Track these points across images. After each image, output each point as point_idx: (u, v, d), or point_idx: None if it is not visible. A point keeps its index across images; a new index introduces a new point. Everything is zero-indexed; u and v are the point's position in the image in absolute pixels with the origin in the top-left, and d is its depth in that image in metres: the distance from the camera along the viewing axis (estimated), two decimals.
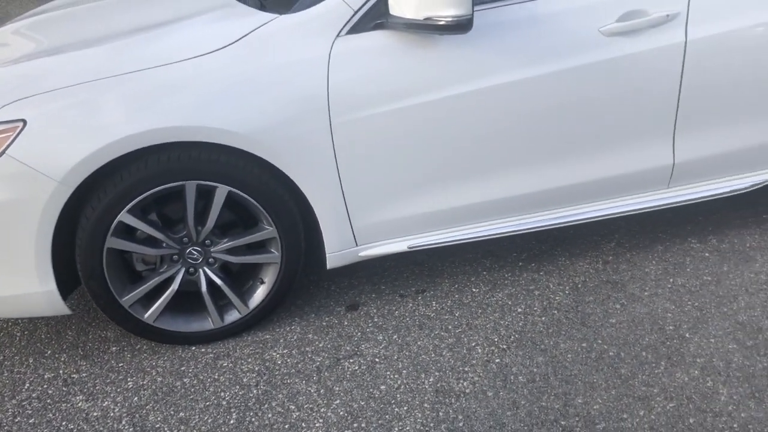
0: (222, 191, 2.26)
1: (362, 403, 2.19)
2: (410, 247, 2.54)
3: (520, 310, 2.58)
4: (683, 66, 2.45)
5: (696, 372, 2.23)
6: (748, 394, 2.13)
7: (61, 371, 2.41)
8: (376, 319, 2.58)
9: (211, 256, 2.40)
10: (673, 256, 2.83)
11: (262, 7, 2.42)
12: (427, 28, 2.14)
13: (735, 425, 2.02)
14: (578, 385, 2.20)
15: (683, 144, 2.60)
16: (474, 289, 2.71)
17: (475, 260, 2.89)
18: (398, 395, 2.21)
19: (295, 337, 2.51)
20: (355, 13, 2.24)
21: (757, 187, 2.77)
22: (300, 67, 2.21)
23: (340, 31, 2.24)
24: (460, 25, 2.10)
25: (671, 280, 2.69)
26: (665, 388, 2.17)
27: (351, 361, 2.37)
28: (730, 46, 2.47)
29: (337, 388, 2.25)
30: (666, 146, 2.59)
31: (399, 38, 2.25)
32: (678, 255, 2.84)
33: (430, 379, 2.26)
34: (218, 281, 2.42)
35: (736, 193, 2.75)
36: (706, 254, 2.83)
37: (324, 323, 2.57)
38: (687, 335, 2.39)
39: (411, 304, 2.65)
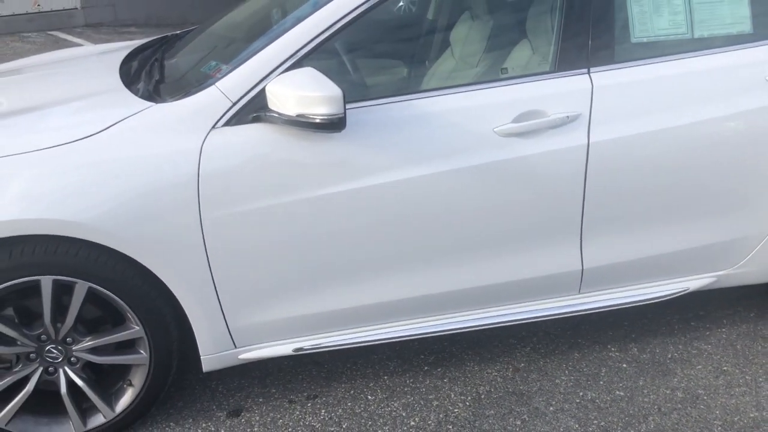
0: (81, 287, 2.10)
1: None
2: (296, 351, 2.36)
3: (413, 423, 2.37)
4: (586, 169, 2.33)
5: None
6: None
7: None
8: (256, 429, 2.37)
9: (73, 355, 2.22)
10: (588, 366, 2.64)
11: (149, 94, 2.32)
12: (302, 124, 2.04)
13: None
14: None
15: (591, 249, 2.45)
16: (370, 397, 2.51)
17: (380, 362, 2.70)
18: None
19: None
20: (234, 104, 2.13)
21: (675, 296, 2.61)
22: (169, 158, 2.08)
23: (216, 123, 2.13)
24: (333, 124, 1.99)
25: (581, 393, 2.50)
26: None
27: None
28: (637, 149, 2.36)
29: None
30: (573, 251, 2.45)
31: (278, 132, 2.13)
32: (593, 365, 2.65)
33: None
34: (80, 382, 2.23)
35: (653, 301, 2.60)
36: (624, 365, 2.65)
37: (200, 430, 2.37)
38: None
39: (298, 412, 2.45)
